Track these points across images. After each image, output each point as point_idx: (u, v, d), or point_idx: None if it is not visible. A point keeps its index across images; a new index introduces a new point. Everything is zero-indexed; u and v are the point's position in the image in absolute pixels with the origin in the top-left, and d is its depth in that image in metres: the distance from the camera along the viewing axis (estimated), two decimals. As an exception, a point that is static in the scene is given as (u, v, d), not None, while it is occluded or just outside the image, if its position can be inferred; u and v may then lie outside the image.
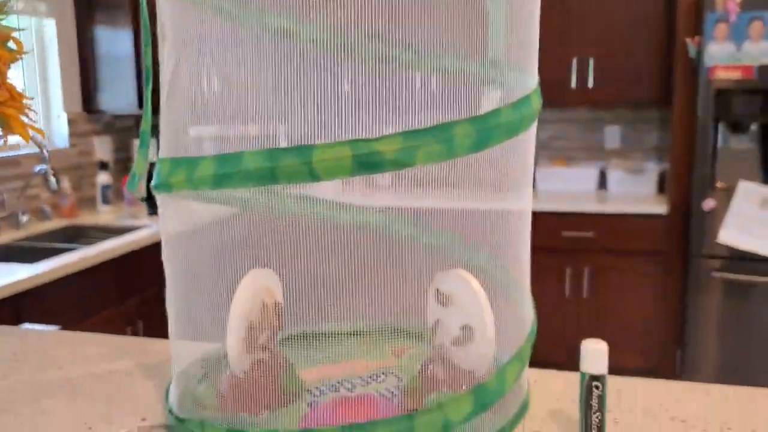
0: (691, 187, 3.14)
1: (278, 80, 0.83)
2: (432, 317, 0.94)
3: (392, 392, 0.93)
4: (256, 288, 0.92)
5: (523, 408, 0.92)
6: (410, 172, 0.80)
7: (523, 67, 0.89)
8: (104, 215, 3.18)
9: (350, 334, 1.10)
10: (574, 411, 0.98)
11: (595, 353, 0.84)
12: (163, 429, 0.88)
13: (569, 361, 3.33)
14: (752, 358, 3.06)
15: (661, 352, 3.28)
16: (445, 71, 0.86)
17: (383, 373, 0.99)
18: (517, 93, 0.86)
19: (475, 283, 0.87)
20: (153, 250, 2.78)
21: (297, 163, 0.75)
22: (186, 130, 0.88)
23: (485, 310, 0.86)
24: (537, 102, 0.88)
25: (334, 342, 1.08)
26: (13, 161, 2.91)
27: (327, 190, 1.04)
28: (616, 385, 1.07)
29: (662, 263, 3.23)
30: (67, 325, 2.35)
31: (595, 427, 0.85)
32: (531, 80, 0.89)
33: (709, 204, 3.10)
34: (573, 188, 3.68)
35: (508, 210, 0.89)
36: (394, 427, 0.76)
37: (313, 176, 0.75)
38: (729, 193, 3.03)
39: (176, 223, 0.90)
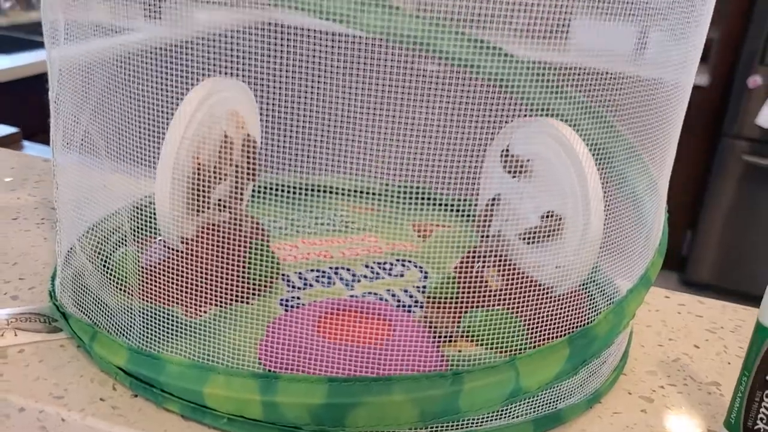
0: (738, 59, 2.70)
1: None
2: (488, 190, 0.56)
3: (412, 297, 0.57)
4: (213, 108, 0.54)
5: (623, 360, 0.55)
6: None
7: None
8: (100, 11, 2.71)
9: (353, 193, 0.72)
10: (704, 367, 0.58)
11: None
12: (37, 319, 0.52)
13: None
14: (759, 248, 2.74)
15: (671, 231, 2.94)
16: None
17: (400, 261, 0.63)
18: None
19: (579, 145, 0.48)
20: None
21: None
22: None
23: (591, 192, 0.47)
24: None
25: (330, 202, 0.71)
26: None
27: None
28: None
29: (690, 140, 2.83)
30: (29, 129, 1.95)
31: (765, 414, 0.44)
32: None
33: (755, 81, 2.67)
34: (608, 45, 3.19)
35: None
36: (421, 392, 0.41)
37: None
38: (779, 72, 2.62)
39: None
